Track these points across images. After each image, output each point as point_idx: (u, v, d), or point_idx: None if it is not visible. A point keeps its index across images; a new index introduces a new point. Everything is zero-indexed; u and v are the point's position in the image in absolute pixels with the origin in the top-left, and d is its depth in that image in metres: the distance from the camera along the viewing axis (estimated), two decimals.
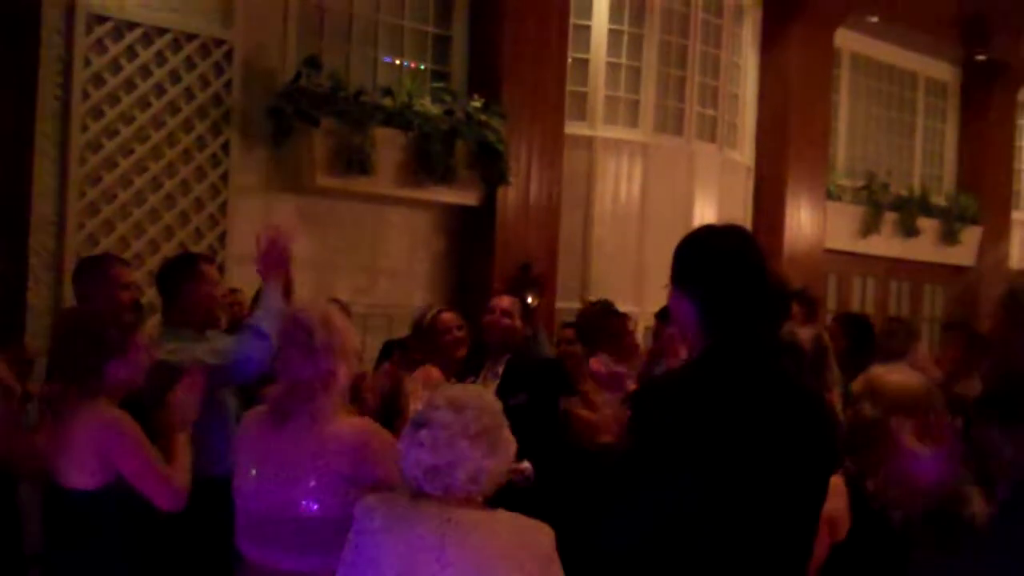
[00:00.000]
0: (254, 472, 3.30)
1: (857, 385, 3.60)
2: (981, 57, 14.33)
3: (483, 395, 2.81)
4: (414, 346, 5.79)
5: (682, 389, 2.55)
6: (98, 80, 7.34)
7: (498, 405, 2.77)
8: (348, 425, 3.27)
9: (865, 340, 6.39)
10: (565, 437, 5.13)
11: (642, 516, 2.45)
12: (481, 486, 2.66)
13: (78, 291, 4.83)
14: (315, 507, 3.15)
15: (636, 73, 10.48)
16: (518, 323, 5.59)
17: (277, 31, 8.30)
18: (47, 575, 3.60)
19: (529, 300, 8.37)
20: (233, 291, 6.83)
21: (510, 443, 2.73)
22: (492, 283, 8.93)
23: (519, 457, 4.67)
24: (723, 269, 2.57)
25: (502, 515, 2.68)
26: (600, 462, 3.07)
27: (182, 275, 4.57)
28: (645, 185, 10.40)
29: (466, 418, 2.65)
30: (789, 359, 4.50)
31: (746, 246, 2.63)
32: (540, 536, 2.64)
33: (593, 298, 8.08)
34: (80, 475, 3.45)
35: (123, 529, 3.50)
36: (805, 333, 5.07)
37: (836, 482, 3.14)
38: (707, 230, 2.74)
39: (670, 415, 2.46)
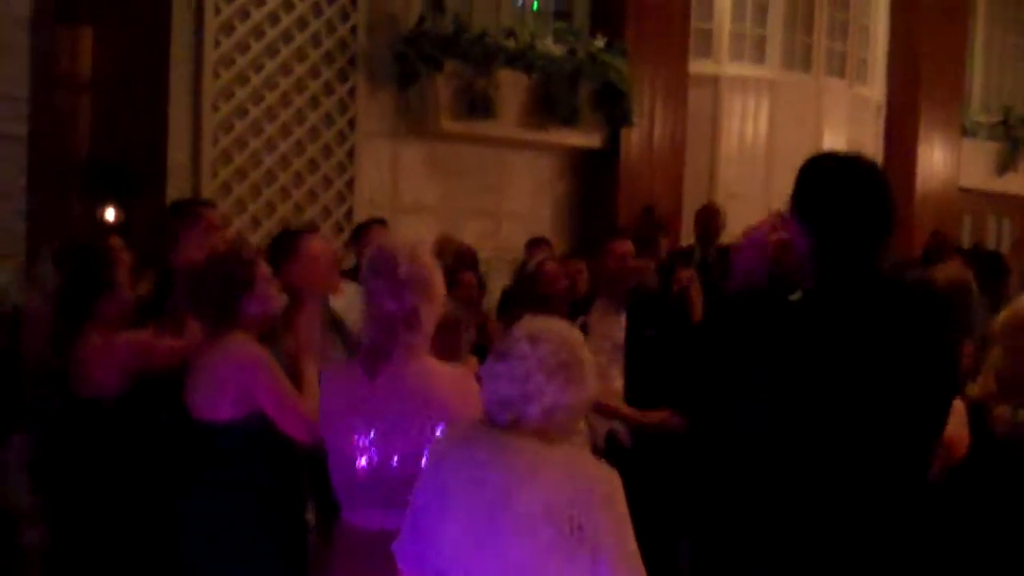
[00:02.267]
0: (346, 426, 3.14)
1: None
2: None
3: (563, 329, 2.66)
4: (517, 298, 5.57)
5: (786, 326, 2.49)
6: (228, 28, 7.44)
7: (579, 339, 2.64)
8: (440, 372, 3.12)
9: (997, 278, 6.12)
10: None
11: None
12: (555, 421, 2.54)
13: (170, 234, 4.78)
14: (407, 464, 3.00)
15: (763, 7, 10.21)
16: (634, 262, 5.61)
17: None
18: (181, 507, 3.67)
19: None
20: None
21: (591, 378, 2.59)
22: (617, 225, 8.86)
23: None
24: (840, 203, 2.46)
25: (563, 449, 2.55)
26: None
27: (284, 254, 4.45)
28: (772, 124, 10.18)
29: (543, 351, 2.55)
30: None
31: (867, 178, 2.49)
32: (598, 475, 2.47)
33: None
34: (216, 407, 3.53)
35: (257, 461, 3.56)
36: (944, 272, 4.82)
37: (957, 406, 3.11)
38: (826, 159, 2.60)
39: (771, 352, 2.44)
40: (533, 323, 2.69)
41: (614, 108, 8.98)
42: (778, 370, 2.42)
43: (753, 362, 2.47)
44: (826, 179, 2.52)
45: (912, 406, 2.43)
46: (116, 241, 4.62)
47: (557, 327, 2.67)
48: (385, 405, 3.06)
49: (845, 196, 2.46)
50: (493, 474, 2.47)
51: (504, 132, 8.60)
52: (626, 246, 5.79)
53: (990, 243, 12.90)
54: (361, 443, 3.10)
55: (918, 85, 11.60)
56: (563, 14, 9.35)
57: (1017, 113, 12.82)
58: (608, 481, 2.48)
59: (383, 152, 8.26)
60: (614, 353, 5.16)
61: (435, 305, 3.17)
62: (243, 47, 7.51)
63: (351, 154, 8.02)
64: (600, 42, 8.88)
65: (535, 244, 7.39)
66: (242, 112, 7.53)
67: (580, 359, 2.58)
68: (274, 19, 7.61)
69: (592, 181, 9.41)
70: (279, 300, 3.83)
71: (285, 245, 4.30)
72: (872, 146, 11.39)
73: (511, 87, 8.49)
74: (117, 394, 3.97)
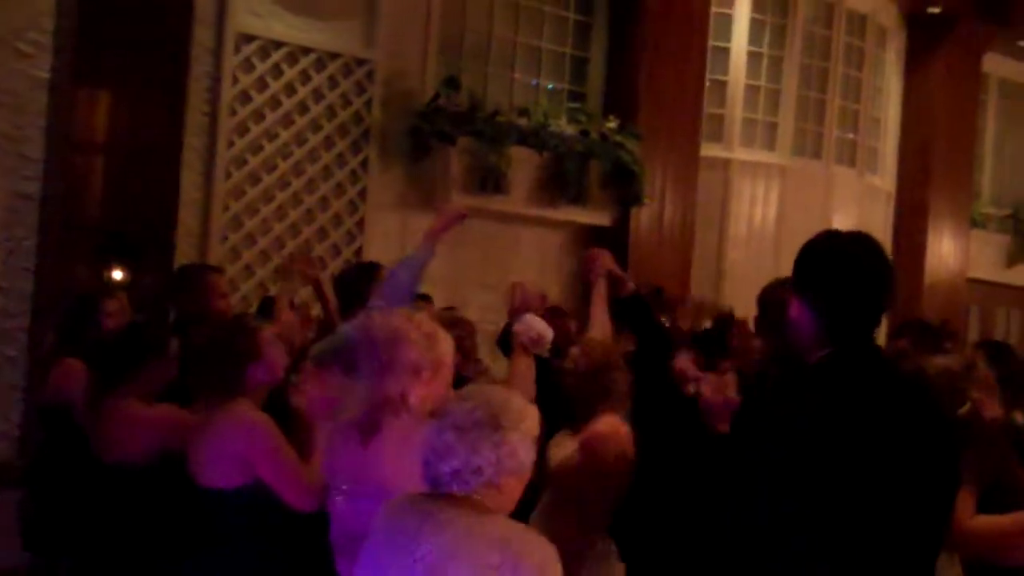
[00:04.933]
0: (345, 490, 3.16)
1: None
2: None
3: (498, 392, 2.55)
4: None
5: (798, 399, 2.47)
6: (244, 97, 7.55)
7: (516, 407, 2.50)
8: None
9: (1013, 372, 6.07)
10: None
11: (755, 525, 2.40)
12: (470, 485, 2.43)
13: (179, 302, 4.86)
14: None
15: (775, 96, 10.33)
16: None
17: (418, 51, 8.42)
18: (183, 573, 3.63)
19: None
20: (449, 309, 6.69)
21: (518, 445, 2.46)
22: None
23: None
24: (844, 276, 2.49)
25: (495, 519, 2.44)
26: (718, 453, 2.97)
27: (366, 281, 4.53)
28: (781, 209, 10.23)
29: (460, 409, 2.46)
30: None
31: (869, 253, 2.52)
32: (529, 546, 2.39)
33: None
34: (218, 475, 3.51)
35: (258, 529, 3.53)
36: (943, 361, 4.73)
37: None
38: (829, 235, 2.62)
39: (784, 427, 2.39)
40: (472, 386, 2.64)
41: (625, 188, 9.03)
42: (790, 443, 2.40)
43: (768, 437, 2.45)
44: (823, 252, 2.56)
45: (911, 479, 2.40)
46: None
47: (491, 390, 2.59)
48: (377, 472, 3.05)
49: (842, 267, 2.50)
50: (422, 546, 2.41)
51: (514, 208, 8.65)
52: None
53: (998, 334, 12.86)
54: (358, 505, 3.07)
55: (928, 176, 11.66)
56: (577, 95, 9.47)
57: None
58: (540, 552, 2.39)
59: (393, 223, 8.30)
60: None
61: (441, 375, 3.12)
62: (258, 116, 7.60)
63: (361, 224, 8.08)
64: (612, 123, 8.96)
65: (554, 313, 7.31)
66: (254, 179, 7.60)
67: (502, 423, 2.45)
68: (290, 90, 7.72)
69: None
70: (285, 363, 3.84)
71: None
72: (881, 235, 11.38)
73: (523, 164, 8.57)
74: (143, 463, 3.92)
